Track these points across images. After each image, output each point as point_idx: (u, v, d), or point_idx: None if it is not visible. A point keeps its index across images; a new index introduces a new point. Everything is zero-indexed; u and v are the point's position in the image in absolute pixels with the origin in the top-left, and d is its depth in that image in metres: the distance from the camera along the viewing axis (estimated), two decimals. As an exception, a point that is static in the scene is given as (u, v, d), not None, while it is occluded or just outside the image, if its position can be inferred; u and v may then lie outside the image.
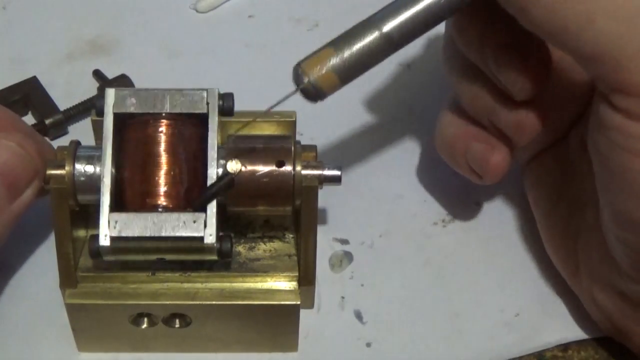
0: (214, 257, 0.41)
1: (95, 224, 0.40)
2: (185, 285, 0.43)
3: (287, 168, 0.42)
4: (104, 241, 0.39)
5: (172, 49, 0.58)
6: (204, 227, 0.40)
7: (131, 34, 0.58)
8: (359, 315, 0.46)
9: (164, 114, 0.41)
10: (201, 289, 0.43)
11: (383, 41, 0.38)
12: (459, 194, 0.48)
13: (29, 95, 0.54)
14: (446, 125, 0.46)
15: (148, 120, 0.41)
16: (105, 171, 0.40)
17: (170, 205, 0.40)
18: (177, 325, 0.43)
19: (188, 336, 0.43)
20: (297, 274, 0.44)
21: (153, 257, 0.41)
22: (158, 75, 0.56)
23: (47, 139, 0.52)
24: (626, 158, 0.36)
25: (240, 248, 0.45)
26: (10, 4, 0.60)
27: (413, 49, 0.50)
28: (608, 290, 0.42)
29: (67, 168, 0.41)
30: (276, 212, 0.43)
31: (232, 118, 0.43)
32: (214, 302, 0.42)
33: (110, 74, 0.55)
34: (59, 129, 0.53)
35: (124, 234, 0.39)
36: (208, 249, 0.40)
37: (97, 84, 0.55)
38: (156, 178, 0.41)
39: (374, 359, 0.45)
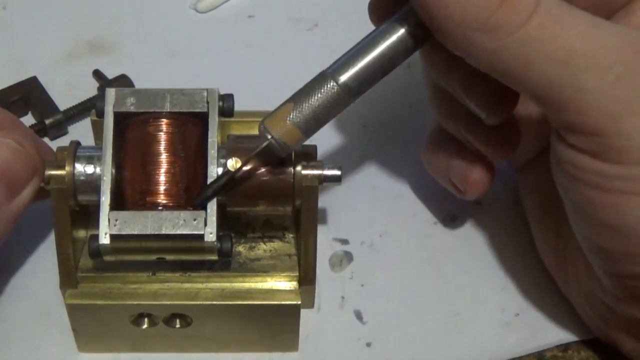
0: (214, 257, 0.41)
1: (95, 225, 0.40)
2: (186, 285, 0.43)
3: (288, 167, 0.42)
4: (104, 239, 0.39)
5: (172, 49, 0.58)
6: (204, 225, 0.40)
7: (131, 34, 0.58)
8: (359, 315, 0.46)
9: (164, 113, 0.41)
10: (202, 289, 0.43)
11: (341, 92, 0.39)
12: (459, 194, 0.48)
13: (28, 95, 0.54)
14: (431, 143, 0.47)
15: (148, 119, 0.41)
16: (106, 170, 0.40)
17: (171, 204, 0.40)
18: (177, 326, 0.43)
19: (188, 336, 0.43)
20: (297, 274, 0.44)
21: (153, 257, 0.41)
22: (158, 75, 0.56)
23: (47, 139, 0.52)
24: (582, 189, 0.37)
25: (241, 248, 0.45)
26: (10, 4, 0.60)
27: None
28: (594, 302, 0.42)
29: (67, 168, 0.41)
30: (276, 212, 0.43)
31: (232, 118, 0.43)
32: (214, 302, 0.42)
33: (110, 74, 0.55)
34: (59, 129, 0.53)
35: (124, 232, 0.39)
36: (208, 247, 0.40)
37: (97, 84, 0.55)
38: (156, 176, 0.41)
39: (374, 359, 0.45)
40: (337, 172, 0.43)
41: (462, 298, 0.47)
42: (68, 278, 0.42)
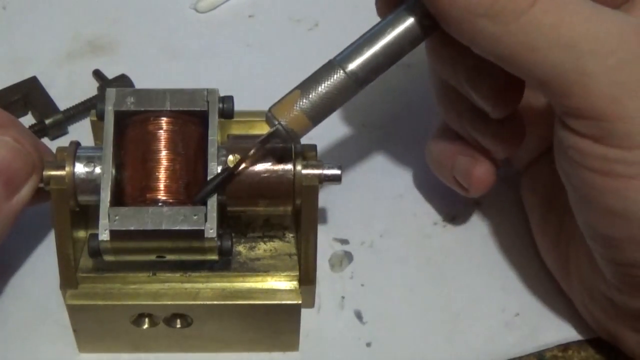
0: (215, 257, 0.41)
1: (95, 224, 0.40)
2: (186, 285, 0.43)
3: (288, 167, 0.42)
4: (104, 235, 0.39)
5: (172, 49, 0.58)
6: (204, 220, 0.40)
7: (131, 34, 0.58)
8: (359, 315, 0.46)
9: (164, 112, 0.41)
10: (202, 289, 0.43)
11: (348, 80, 0.40)
12: (459, 195, 0.47)
13: (28, 95, 0.54)
14: (435, 141, 0.47)
15: (148, 118, 0.42)
16: (106, 167, 0.40)
17: (171, 200, 0.40)
18: (178, 326, 0.43)
19: (189, 336, 0.43)
20: (297, 274, 0.44)
21: (153, 256, 0.41)
22: (158, 75, 0.56)
23: (46, 139, 0.52)
24: (585, 175, 0.37)
25: (241, 248, 0.45)
26: (10, 4, 0.60)
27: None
28: (597, 297, 0.42)
29: (67, 169, 0.41)
30: (276, 211, 0.44)
31: (232, 118, 0.43)
32: (215, 302, 0.42)
33: (110, 74, 0.55)
34: (59, 129, 0.53)
35: (124, 228, 0.39)
36: (209, 244, 0.40)
37: (97, 84, 0.55)
38: (156, 173, 0.41)
39: (374, 359, 0.45)
40: (337, 172, 0.43)
41: (462, 298, 0.47)
42: (68, 278, 0.42)
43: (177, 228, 0.40)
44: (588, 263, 0.41)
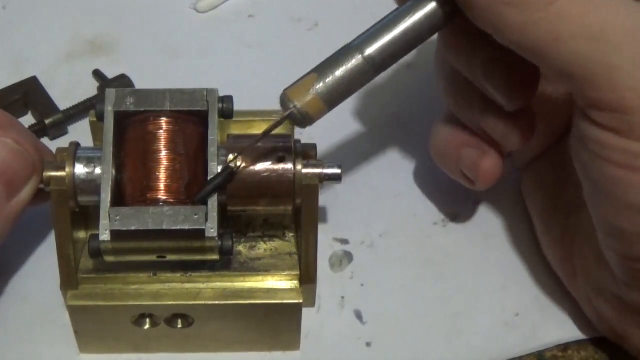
0: (216, 257, 0.41)
1: (96, 225, 0.40)
2: (187, 285, 0.43)
3: (288, 166, 0.42)
4: (105, 235, 0.39)
5: (172, 49, 0.58)
6: (205, 220, 0.40)
7: (131, 34, 0.58)
8: (359, 315, 0.46)
9: (164, 112, 0.41)
10: (203, 289, 0.43)
11: (365, 65, 0.39)
12: (459, 194, 0.48)
13: (29, 95, 0.54)
14: (440, 133, 0.46)
15: (148, 118, 0.42)
16: (106, 168, 0.40)
17: (171, 200, 0.40)
18: (179, 326, 0.43)
19: (190, 336, 0.43)
20: (298, 273, 0.44)
21: (153, 256, 0.41)
22: (158, 75, 0.56)
23: (46, 139, 0.52)
24: (606, 168, 0.37)
25: (241, 248, 0.45)
26: (10, 4, 0.60)
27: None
28: (604, 294, 0.42)
29: (67, 170, 0.41)
30: (277, 210, 0.44)
31: (232, 118, 0.43)
32: (216, 302, 0.42)
33: (110, 74, 0.55)
34: (59, 129, 0.53)
35: (124, 228, 0.39)
36: (209, 244, 0.40)
37: (97, 84, 0.55)
38: (157, 173, 0.41)
39: (374, 359, 0.45)
40: (338, 171, 0.43)
41: (462, 298, 0.47)
42: (69, 279, 0.42)
43: (178, 228, 0.40)
44: (595, 260, 0.41)
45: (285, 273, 0.44)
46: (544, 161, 0.47)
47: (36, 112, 0.53)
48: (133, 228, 0.39)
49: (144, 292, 0.42)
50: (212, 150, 0.41)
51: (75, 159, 0.41)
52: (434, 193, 0.50)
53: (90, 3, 0.60)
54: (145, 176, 0.41)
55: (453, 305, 0.46)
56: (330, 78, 0.39)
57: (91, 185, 0.41)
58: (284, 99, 0.39)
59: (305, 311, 0.44)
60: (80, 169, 0.41)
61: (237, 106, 0.43)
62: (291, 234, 0.46)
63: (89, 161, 0.41)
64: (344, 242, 0.49)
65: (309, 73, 0.39)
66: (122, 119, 0.42)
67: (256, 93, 0.50)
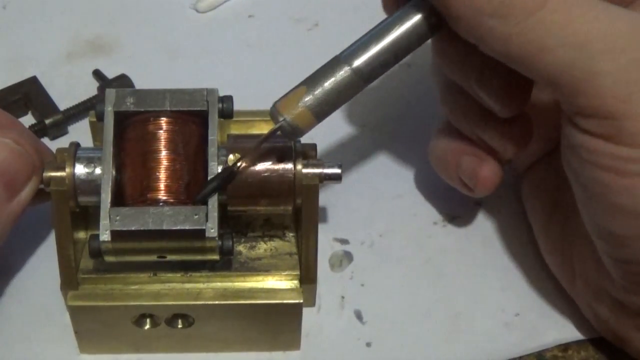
0: (216, 257, 0.41)
1: (96, 225, 0.40)
2: (187, 285, 0.43)
3: (288, 166, 0.42)
4: (105, 235, 0.39)
5: (172, 49, 0.58)
6: (205, 220, 0.40)
7: (131, 34, 0.58)
8: (359, 315, 0.46)
9: (164, 112, 0.42)
10: (203, 289, 0.43)
11: (354, 76, 0.40)
12: (459, 195, 0.48)
13: (29, 95, 0.54)
14: (439, 141, 0.47)
15: (148, 118, 0.42)
16: (106, 168, 0.40)
17: (171, 200, 0.40)
18: (179, 326, 0.43)
19: (191, 336, 0.43)
20: (298, 273, 0.44)
21: (154, 256, 0.41)
22: (158, 75, 0.56)
23: (46, 139, 0.52)
24: (595, 173, 0.37)
25: (241, 247, 0.45)
26: (10, 4, 0.60)
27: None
28: (603, 297, 0.42)
29: (67, 170, 0.41)
30: (277, 210, 0.44)
31: (232, 118, 0.43)
32: (216, 302, 0.42)
33: (110, 74, 0.55)
34: (59, 129, 0.53)
35: (124, 228, 0.39)
36: (210, 244, 0.40)
37: (97, 84, 0.55)
38: (157, 173, 0.41)
39: (374, 359, 0.45)
40: (338, 170, 0.43)
41: (462, 298, 0.47)
42: (69, 279, 0.42)
43: (178, 228, 0.40)
44: (593, 263, 0.41)
45: (286, 273, 0.44)
46: (544, 165, 0.47)
47: (36, 112, 0.53)
48: (133, 228, 0.39)
49: (145, 292, 0.42)
50: (212, 150, 0.41)
51: (75, 159, 0.41)
52: (434, 193, 0.50)
53: (90, 3, 0.60)
54: (145, 176, 0.41)
55: (453, 305, 0.46)
56: (319, 90, 0.40)
57: (91, 186, 0.41)
58: (274, 112, 0.40)
59: (306, 311, 0.44)
60: (80, 169, 0.41)
61: (237, 106, 0.43)
62: (291, 234, 0.46)
63: (89, 161, 0.41)
64: (344, 242, 0.49)
65: (298, 85, 0.40)
66: (122, 119, 0.42)
67: (256, 93, 0.50)
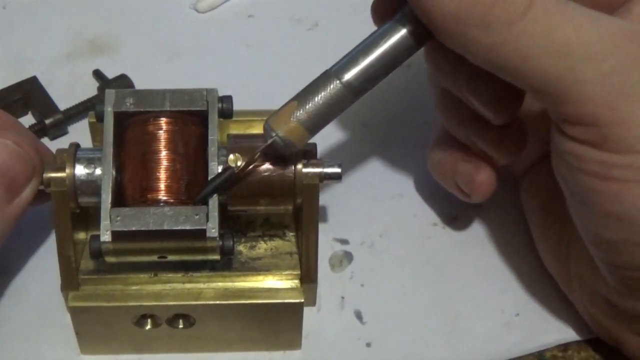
0: (216, 257, 0.41)
1: (96, 226, 0.40)
2: (188, 285, 0.43)
3: (288, 165, 0.42)
4: (105, 236, 0.39)
5: (172, 49, 0.58)
6: (206, 220, 0.40)
7: (131, 34, 0.58)
8: (359, 315, 0.46)
9: (164, 112, 0.42)
10: (204, 289, 0.43)
11: (344, 90, 0.40)
12: (459, 195, 0.48)
13: (29, 95, 0.54)
14: (436, 148, 0.47)
15: (148, 118, 0.42)
16: (106, 168, 0.40)
17: (172, 200, 0.40)
18: (180, 326, 0.43)
19: (191, 336, 0.43)
20: (299, 272, 0.44)
21: (154, 257, 0.41)
22: (158, 75, 0.56)
23: (46, 139, 0.52)
24: (583, 180, 0.37)
25: (241, 247, 0.45)
26: (10, 4, 0.60)
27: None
28: (598, 300, 0.42)
29: (67, 170, 0.41)
30: (277, 210, 0.44)
31: (232, 118, 0.43)
32: (217, 302, 0.42)
33: (110, 74, 0.55)
34: (59, 129, 0.53)
35: (125, 228, 0.39)
36: (210, 244, 0.40)
37: (97, 84, 0.55)
38: (157, 174, 0.41)
39: (374, 359, 0.45)
40: (338, 170, 0.43)
41: (462, 298, 0.47)
42: (69, 280, 0.42)
43: (179, 228, 0.40)
44: (589, 267, 0.42)
45: (286, 272, 0.44)
46: (542, 167, 0.47)
47: (36, 112, 0.53)
48: (134, 228, 0.39)
49: (145, 292, 0.42)
50: (212, 150, 0.41)
51: (75, 160, 0.41)
52: (433, 194, 0.50)
53: (90, 3, 0.60)
54: (145, 176, 0.41)
55: (453, 305, 0.46)
56: (310, 105, 0.40)
57: (91, 186, 0.41)
58: (267, 128, 0.40)
59: (306, 311, 0.44)
60: (80, 170, 0.41)
61: (237, 106, 0.43)
62: (291, 234, 0.46)
63: (89, 162, 0.41)
64: (344, 242, 0.49)
65: (289, 101, 0.40)
66: (122, 120, 0.42)
67: (256, 93, 0.50)
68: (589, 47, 0.36)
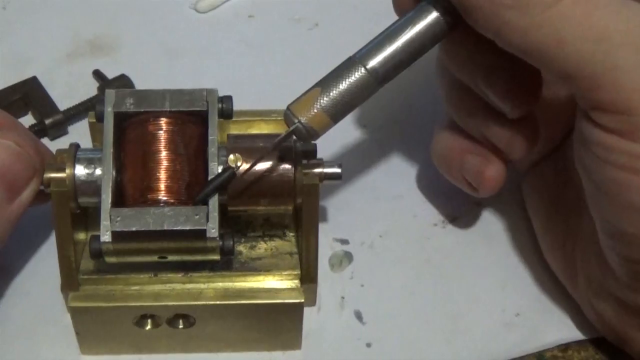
0: (217, 257, 0.41)
1: (96, 226, 0.40)
2: (188, 285, 0.43)
3: (288, 165, 0.42)
4: (106, 236, 0.39)
5: (172, 49, 0.58)
6: (206, 220, 0.40)
7: (131, 34, 0.58)
8: (359, 315, 0.46)
9: (164, 112, 0.42)
10: (204, 289, 0.43)
11: (369, 77, 0.39)
12: (459, 195, 0.48)
13: (29, 95, 0.54)
14: (442, 139, 0.46)
15: (148, 119, 0.42)
16: (106, 168, 0.40)
17: (172, 200, 0.41)
18: (180, 326, 0.43)
19: (192, 336, 0.43)
20: (299, 272, 0.44)
21: (154, 257, 0.41)
22: (158, 75, 0.56)
23: (46, 139, 0.52)
24: (609, 171, 0.37)
25: (242, 247, 0.45)
26: (10, 4, 0.60)
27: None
28: (606, 297, 0.42)
29: (67, 171, 0.41)
30: (277, 210, 0.44)
31: (232, 118, 0.43)
32: (217, 302, 0.42)
33: (110, 74, 0.55)
34: (59, 129, 0.53)
35: (125, 229, 0.39)
36: (210, 244, 0.40)
37: (97, 84, 0.55)
38: (157, 174, 0.41)
39: (374, 359, 0.45)
40: (338, 170, 0.43)
41: (462, 298, 0.47)
42: (69, 281, 0.42)
43: (179, 228, 0.40)
44: (597, 263, 0.41)
45: (286, 272, 0.44)
46: (545, 165, 0.47)
47: (36, 112, 0.53)
48: (134, 229, 0.39)
49: (145, 292, 0.42)
50: (212, 150, 0.41)
51: (75, 160, 0.41)
52: (434, 194, 0.50)
53: (90, 3, 0.60)
54: (145, 177, 0.41)
55: (453, 305, 0.46)
56: (334, 92, 0.39)
57: (91, 187, 0.41)
58: (288, 115, 0.39)
59: (306, 311, 0.44)
60: (80, 170, 0.41)
61: (237, 106, 0.43)
62: (291, 234, 0.46)
63: (89, 162, 0.41)
64: (344, 242, 0.49)
65: (312, 87, 0.39)
66: (122, 120, 0.42)
67: (256, 93, 0.50)
68: (627, 34, 0.35)
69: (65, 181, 0.41)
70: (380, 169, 0.52)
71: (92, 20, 0.59)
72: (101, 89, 0.54)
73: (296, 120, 0.39)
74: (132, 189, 0.41)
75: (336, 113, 0.39)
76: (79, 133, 0.53)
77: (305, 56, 0.57)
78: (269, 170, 0.42)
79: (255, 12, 0.60)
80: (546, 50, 0.36)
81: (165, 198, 0.41)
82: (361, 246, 0.49)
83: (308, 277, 0.44)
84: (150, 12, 0.60)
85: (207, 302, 0.42)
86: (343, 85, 0.39)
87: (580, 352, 0.45)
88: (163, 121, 0.42)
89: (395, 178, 0.51)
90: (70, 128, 0.53)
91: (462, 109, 0.44)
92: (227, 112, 0.42)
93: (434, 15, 0.39)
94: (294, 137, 0.40)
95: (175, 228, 0.40)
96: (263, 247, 0.45)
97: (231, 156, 0.41)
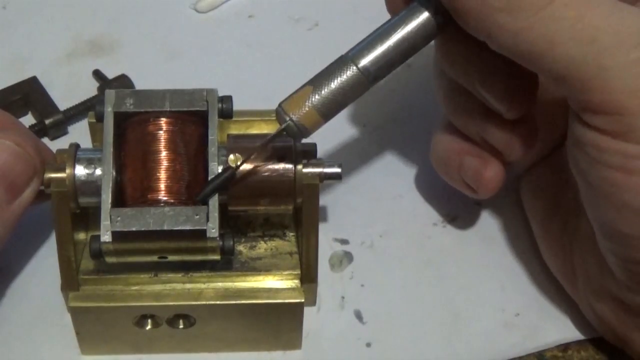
0: (217, 257, 0.41)
1: (96, 226, 0.40)
2: (188, 285, 0.43)
3: (288, 165, 0.42)
4: (106, 236, 0.39)
5: (172, 49, 0.58)
6: (206, 220, 0.40)
7: (131, 34, 0.58)
8: (359, 315, 0.46)
9: (164, 112, 0.42)
10: (205, 289, 0.43)
11: (360, 76, 0.39)
12: (459, 195, 0.48)
13: (29, 95, 0.54)
14: (440, 141, 0.46)
15: (148, 119, 0.42)
16: (106, 169, 0.40)
17: (172, 200, 0.40)
18: (181, 326, 0.43)
19: (192, 336, 0.43)
20: (299, 272, 0.44)
21: (154, 257, 0.41)
22: (158, 75, 0.56)
23: (46, 139, 0.52)
24: (602, 171, 0.37)
25: (241, 247, 0.45)
26: (10, 4, 0.60)
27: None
28: (605, 298, 0.42)
29: (67, 171, 0.41)
30: (277, 210, 0.44)
31: (232, 118, 0.43)
32: (218, 302, 0.42)
33: (110, 74, 0.55)
34: (59, 129, 0.53)
35: (125, 229, 0.39)
36: (211, 244, 0.40)
37: (97, 84, 0.55)
38: (157, 174, 0.41)
39: (374, 359, 0.45)
40: (338, 170, 0.43)
41: (462, 298, 0.47)
42: (69, 281, 0.42)
43: (179, 228, 0.40)
44: (596, 264, 0.41)
45: (286, 272, 0.44)
46: (543, 166, 0.47)
47: (36, 112, 0.53)
48: (134, 229, 0.40)
49: (146, 292, 0.42)
50: (212, 150, 0.41)
51: (75, 160, 0.41)
52: (434, 194, 0.50)
53: (90, 3, 0.60)
54: (145, 177, 0.41)
55: (453, 305, 0.47)
56: (326, 90, 0.39)
57: (91, 187, 0.41)
58: (280, 112, 0.39)
59: (306, 311, 0.44)
60: (80, 170, 0.41)
61: (237, 106, 0.43)
62: (291, 233, 0.46)
63: (89, 162, 0.41)
64: (344, 242, 0.49)
65: (304, 85, 0.40)
66: (122, 120, 0.42)
67: (256, 93, 0.50)
68: (618, 36, 0.35)
69: (66, 181, 0.41)
70: (380, 169, 0.52)
71: (92, 20, 0.59)
72: (101, 89, 0.54)
73: (287, 118, 0.39)
74: (132, 189, 0.41)
75: (327, 111, 0.40)
76: (79, 133, 0.53)
77: (305, 56, 0.57)
78: (269, 170, 0.42)
79: (255, 12, 0.60)
80: (538, 52, 0.36)
81: (165, 198, 0.41)
82: (361, 246, 0.49)
83: (308, 277, 0.44)
84: (150, 12, 0.60)
85: (207, 302, 0.42)
86: (335, 84, 0.39)
87: (580, 352, 0.45)
88: (163, 121, 0.42)
89: (395, 178, 0.51)
90: (70, 128, 0.53)
91: (460, 111, 0.44)
92: (227, 112, 0.42)
93: (425, 15, 0.39)
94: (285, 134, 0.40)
95: (175, 228, 0.40)
96: (263, 247, 0.45)
97: (231, 156, 0.41)
